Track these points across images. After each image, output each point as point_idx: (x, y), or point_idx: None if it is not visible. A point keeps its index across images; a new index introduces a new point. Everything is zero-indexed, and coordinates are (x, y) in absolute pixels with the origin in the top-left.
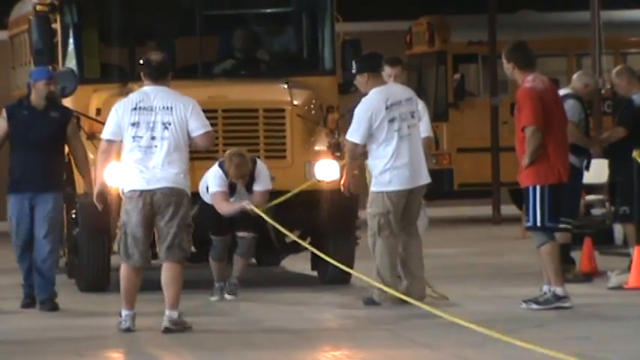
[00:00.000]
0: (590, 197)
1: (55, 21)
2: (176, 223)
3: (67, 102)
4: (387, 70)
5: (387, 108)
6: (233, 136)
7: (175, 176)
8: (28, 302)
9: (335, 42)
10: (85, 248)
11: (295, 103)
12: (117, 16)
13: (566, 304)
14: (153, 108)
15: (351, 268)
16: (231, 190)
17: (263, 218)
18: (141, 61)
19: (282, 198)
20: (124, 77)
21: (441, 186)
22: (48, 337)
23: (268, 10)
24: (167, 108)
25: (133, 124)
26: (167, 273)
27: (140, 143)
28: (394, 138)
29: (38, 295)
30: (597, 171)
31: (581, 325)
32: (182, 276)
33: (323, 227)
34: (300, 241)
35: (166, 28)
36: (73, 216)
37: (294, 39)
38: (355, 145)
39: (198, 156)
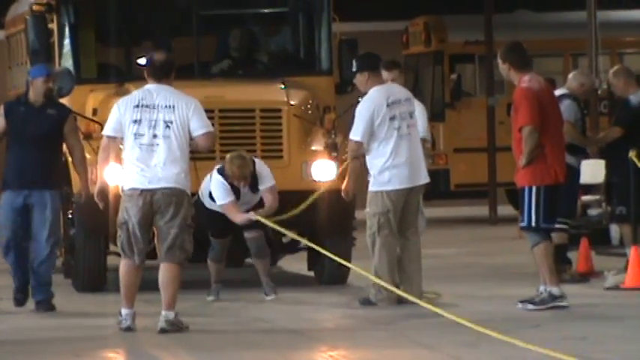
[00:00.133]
0: (587, 197)
1: (52, 21)
2: (177, 224)
3: (63, 102)
4: (384, 75)
5: (388, 105)
6: (230, 136)
7: (177, 176)
8: (20, 298)
9: (331, 42)
10: (81, 248)
11: (292, 103)
12: (113, 16)
13: (562, 304)
14: (155, 106)
15: (348, 268)
16: (236, 195)
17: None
18: (139, 61)
19: (297, 210)
20: (120, 77)
21: (438, 186)
22: (45, 337)
23: (265, 10)
24: (169, 106)
25: (135, 122)
26: (165, 273)
27: (142, 141)
28: (393, 136)
29: (35, 296)
30: (594, 171)
31: (577, 326)
32: (180, 276)
33: (320, 227)
34: (303, 240)
35: (163, 28)
36: (70, 216)
37: (291, 39)
38: (358, 143)
39: (198, 156)
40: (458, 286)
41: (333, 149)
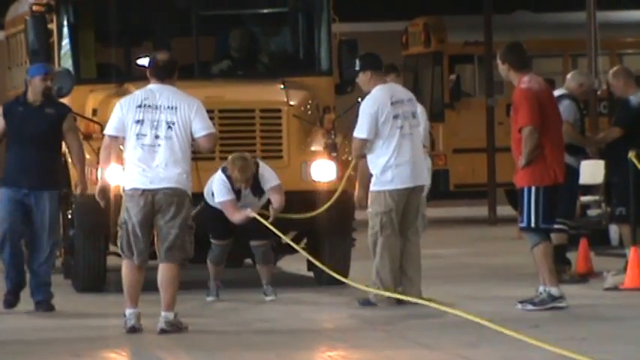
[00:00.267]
0: (586, 198)
1: (52, 21)
2: (178, 224)
3: (64, 103)
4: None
5: (392, 104)
6: (229, 137)
7: (178, 176)
8: (11, 300)
9: (331, 42)
10: (81, 249)
11: (291, 103)
12: (113, 17)
13: (561, 304)
14: (158, 107)
15: (347, 269)
16: (237, 195)
17: (264, 220)
18: (139, 61)
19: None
20: (120, 77)
21: (437, 187)
22: (45, 337)
23: (265, 11)
24: (172, 107)
25: (138, 122)
26: (165, 273)
27: (144, 142)
28: (396, 135)
29: (34, 296)
30: (593, 172)
31: (577, 326)
32: (179, 277)
33: (319, 228)
34: (297, 247)
35: (162, 29)
36: (69, 216)
37: (291, 39)
38: (363, 140)
39: (200, 156)
40: (457, 287)
41: (333, 149)
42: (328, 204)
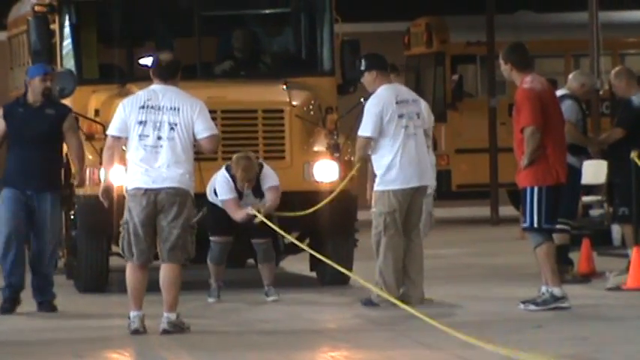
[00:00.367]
0: (589, 198)
1: (54, 22)
2: (180, 224)
3: (65, 103)
4: None
5: (397, 103)
6: (232, 137)
7: (181, 176)
8: (8, 308)
9: (334, 43)
10: (83, 249)
11: (294, 103)
12: (115, 17)
13: (564, 305)
14: (160, 107)
15: (350, 269)
16: (239, 195)
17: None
18: (141, 62)
19: (308, 211)
20: (122, 78)
21: (439, 187)
22: (47, 338)
23: (267, 11)
24: (174, 108)
25: (140, 123)
26: (167, 274)
27: (146, 142)
28: (401, 134)
29: (37, 297)
30: (595, 172)
31: (579, 326)
32: (181, 277)
33: (322, 228)
34: (303, 246)
35: (165, 29)
36: (72, 217)
37: (293, 40)
38: (368, 139)
39: (202, 157)
40: (459, 287)
41: (335, 150)
42: (327, 199)
